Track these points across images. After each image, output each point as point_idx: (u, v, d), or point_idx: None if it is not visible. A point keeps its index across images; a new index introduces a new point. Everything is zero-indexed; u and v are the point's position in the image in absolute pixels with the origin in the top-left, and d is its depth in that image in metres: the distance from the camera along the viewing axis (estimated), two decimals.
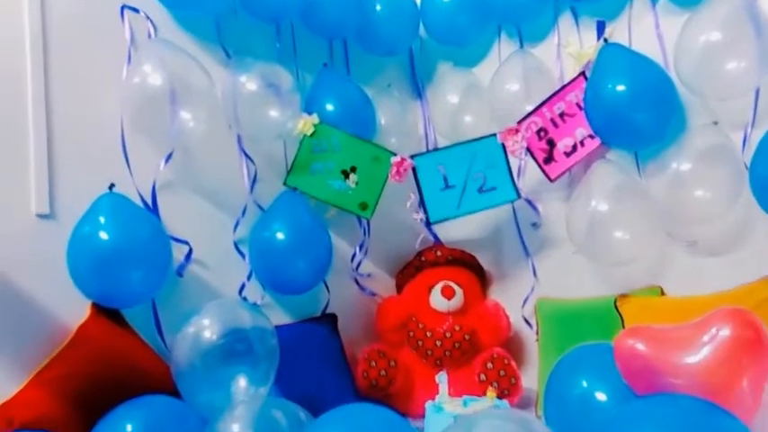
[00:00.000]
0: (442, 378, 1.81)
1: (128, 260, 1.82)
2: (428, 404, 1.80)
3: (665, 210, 2.18)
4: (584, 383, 1.55)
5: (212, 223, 2.28)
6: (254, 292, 2.34)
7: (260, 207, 2.37)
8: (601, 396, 1.51)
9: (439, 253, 2.69)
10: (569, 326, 2.41)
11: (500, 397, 2.35)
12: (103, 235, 1.82)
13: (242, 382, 1.72)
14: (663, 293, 2.31)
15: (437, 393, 1.99)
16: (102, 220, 1.83)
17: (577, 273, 2.51)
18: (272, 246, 2.25)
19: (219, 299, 2.08)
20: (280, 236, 2.24)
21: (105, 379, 1.75)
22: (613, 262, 2.34)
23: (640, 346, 1.36)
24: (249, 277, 2.33)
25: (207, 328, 1.76)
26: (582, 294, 2.46)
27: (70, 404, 1.68)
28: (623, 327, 2.23)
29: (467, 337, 2.50)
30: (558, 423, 1.57)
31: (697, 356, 1.29)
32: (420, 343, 2.51)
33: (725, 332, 1.28)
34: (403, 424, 1.38)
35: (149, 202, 2.08)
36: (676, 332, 1.35)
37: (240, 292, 2.32)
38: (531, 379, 2.49)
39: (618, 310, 2.27)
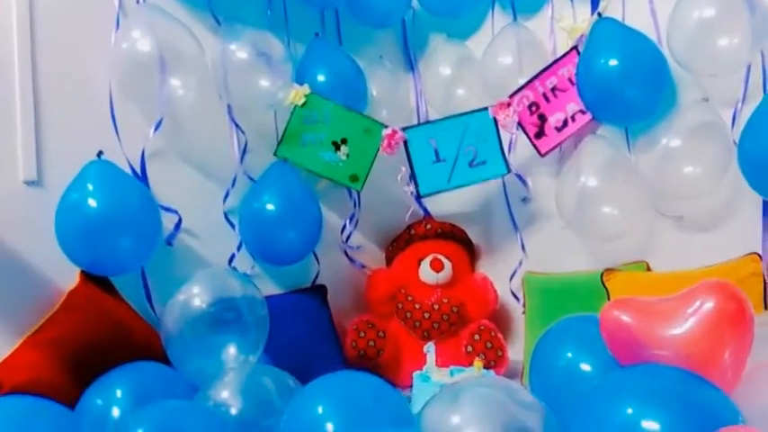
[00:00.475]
0: (429, 348, 1.84)
1: (116, 228, 1.82)
2: (415, 374, 1.83)
3: (654, 185, 2.20)
4: (570, 354, 1.57)
5: (202, 193, 2.27)
6: (244, 262, 2.34)
7: (250, 178, 2.36)
8: (585, 367, 1.53)
9: (429, 226, 2.70)
10: (556, 300, 2.44)
11: (486, 368, 2.39)
12: (92, 202, 1.81)
13: (231, 350, 1.73)
14: (649, 269, 2.34)
15: (425, 364, 2.02)
16: (90, 187, 1.82)
17: (565, 248, 2.53)
18: (262, 216, 2.25)
19: (209, 268, 2.08)
20: (270, 207, 2.24)
21: (95, 345, 1.76)
22: (601, 237, 2.36)
23: (626, 318, 1.38)
24: (239, 248, 2.33)
25: (196, 297, 1.76)
26: (569, 269, 2.49)
27: (60, 369, 1.69)
28: (609, 300, 2.26)
29: (454, 309, 2.52)
30: (543, 393, 1.58)
31: (681, 328, 1.31)
32: (408, 315, 2.54)
33: (709, 305, 1.30)
34: (391, 391, 1.40)
35: (138, 170, 2.07)
36: (661, 304, 1.37)
37: (230, 262, 2.32)
38: (517, 351, 2.53)
39: (604, 285, 2.30)
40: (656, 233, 2.33)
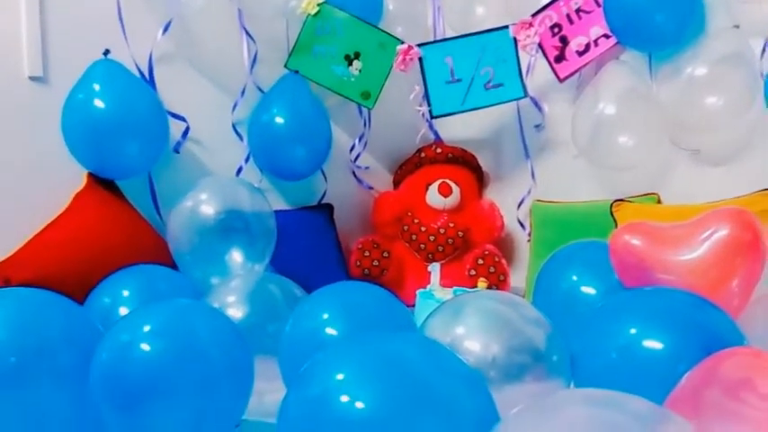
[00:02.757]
0: (434, 268, 1.84)
1: (123, 130, 1.79)
2: (419, 292, 1.84)
3: (673, 116, 2.14)
4: (575, 278, 1.57)
5: (210, 102, 2.23)
6: (252, 175, 2.32)
7: (260, 89, 2.30)
8: (590, 290, 1.53)
9: (439, 150, 2.66)
10: (562, 229, 2.42)
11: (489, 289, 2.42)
12: (99, 103, 1.77)
13: (238, 257, 1.74)
14: (659, 202, 2.32)
15: (428, 284, 2.03)
16: (96, 87, 1.78)
17: (576, 177, 2.50)
18: (270, 129, 2.21)
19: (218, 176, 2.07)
20: (279, 120, 2.20)
21: (101, 248, 1.77)
22: (614, 167, 2.33)
23: (636, 241, 1.36)
24: (247, 160, 2.30)
25: (204, 203, 1.75)
26: (578, 199, 2.46)
27: (66, 269, 1.70)
28: None
29: (460, 233, 2.52)
30: (546, 313, 1.60)
31: (691, 255, 1.30)
32: (414, 237, 2.54)
33: (722, 232, 1.29)
34: (395, 301, 1.40)
35: (146, 73, 2.01)
36: (674, 230, 1.35)
37: (237, 173, 2.30)
38: (519, 279, 2.53)
39: (613, 216, 2.28)
40: (670, 166, 2.29)
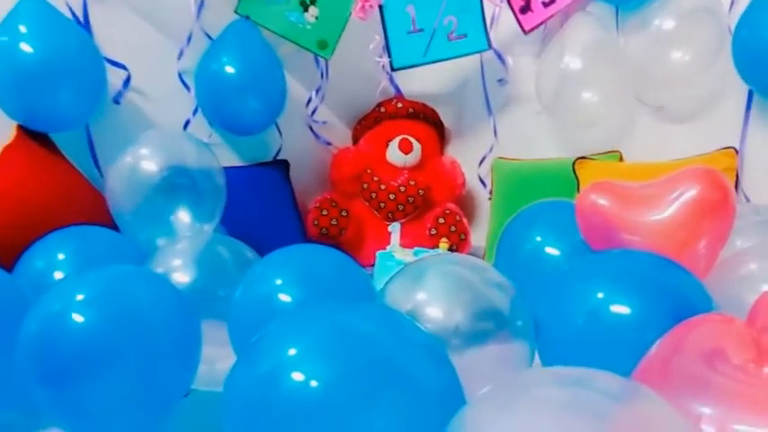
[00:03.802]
0: (394, 227, 1.77)
1: (55, 77, 1.64)
2: (379, 253, 1.77)
3: (639, 70, 2.10)
4: (539, 238, 1.52)
5: (153, 49, 2.07)
6: (201, 129, 2.18)
7: (208, 35, 2.15)
8: (554, 251, 1.48)
9: (399, 105, 2.56)
10: (524, 187, 2.38)
11: (451, 250, 2.37)
12: (26, 47, 1.61)
13: (185, 217, 1.62)
14: (621, 159, 2.29)
15: (388, 245, 1.96)
16: (23, 29, 1.61)
17: (538, 134, 2.46)
18: (220, 80, 2.07)
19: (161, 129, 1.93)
20: (229, 70, 2.06)
21: (34, 206, 1.63)
22: (578, 124, 2.29)
23: (603, 202, 1.31)
24: (195, 112, 2.16)
25: (146, 159, 1.62)
26: (541, 156, 2.42)
27: None
28: (578, 189, 2.22)
29: (420, 192, 2.45)
30: (508, 274, 1.55)
31: (659, 215, 1.25)
32: (373, 195, 2.45)
33: (692, 192, 1.24)
34: (352, 265, 1.33)
35: (80, 15, 1.83)
36: (642, 190, 1.30)
37: (185, 127, 2.16)
38: (479, 237, 2.49)
39: (575, 174, 2.24)
40: (633, 123, 2.26)
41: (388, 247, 1.77)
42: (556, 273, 1.27)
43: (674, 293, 1.11)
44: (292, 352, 0.79)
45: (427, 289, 1.11)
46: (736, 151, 2.01)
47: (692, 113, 2.13)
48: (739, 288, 1.17)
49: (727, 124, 2.05)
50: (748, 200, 2.00)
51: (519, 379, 0.76)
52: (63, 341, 1.02)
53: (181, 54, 2.11)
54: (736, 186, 2.02)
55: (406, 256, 1.71)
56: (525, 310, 1.15)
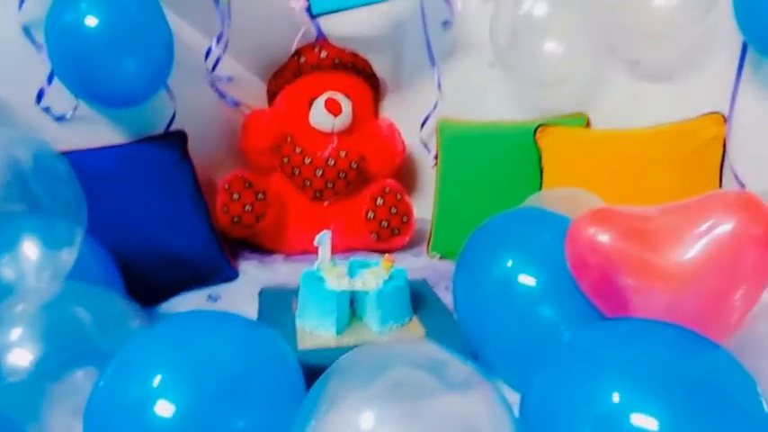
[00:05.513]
0: (322, 239, 1.37)
1: None
2: (304, 273, 1.38)
3: (615, 19, 1.74)
4: (510, 263, 1.16)
5: None
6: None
7: None
8: (529, 281, 1.13)
9: (324, 54, 2.09)
10: (475, 153, 2.03)
11: (389, 236, 2.01)
12: None
13: (30, 251, 1.17)
14: (588, 124, 1.95)
15: (315, 233, 1.54)
16: None
17: (491, 90, 2.09)
18: (80, 34, 1.54)
19: None
20: (91, 21, 1.53)
21: None
22: (538, 80, 1.93)
23: (604, 238, 0.96)
24: (50, 80, 1.63)
25: None
26: (493, 117, 2.05)
27: None
28: (540, 160, 1.88)
29: (354, 165, 2.04)
30: (471, 314, 1.21)
31: (683, 256, 0.92)
32: (296, 171, 2.02)
33: (726, 226, 0.91)
34: (269, 347, 0.92)
35: None
36: (655, 221, 0.96)
37: (38, 100, 1.64)
38: (424, 209, 2.12)
39: (536, 142, 1.90)
40: (603, 80, 1.92)
41: (316, 264, 1.38)
42: (549, 346, 0.92)
43: (710, 394, 0.79)
44: None
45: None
46: (725, 118, 1.71)
47: (673, 71, 1.81)
48: None
49: (714, 84, 1.74)
50: (737, 176, 1.71)
51: None
52: None
53: (23, 1, 1.56)
54: (723, 160, 1.73)
55: (339, 278, 1.33)
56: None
